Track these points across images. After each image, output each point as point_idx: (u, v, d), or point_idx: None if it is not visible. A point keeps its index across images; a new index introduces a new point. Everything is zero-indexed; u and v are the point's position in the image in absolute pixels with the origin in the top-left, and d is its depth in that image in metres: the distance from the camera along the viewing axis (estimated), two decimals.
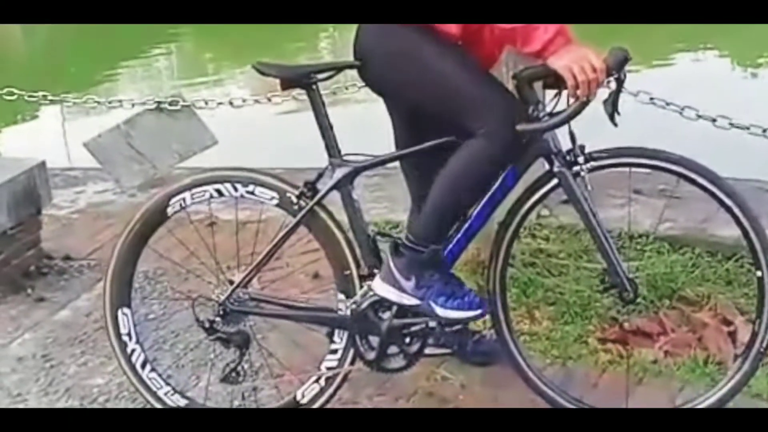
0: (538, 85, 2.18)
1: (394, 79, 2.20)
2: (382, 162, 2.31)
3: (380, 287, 2.22)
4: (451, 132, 2.17)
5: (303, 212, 2.26)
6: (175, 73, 9.63)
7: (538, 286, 3.04)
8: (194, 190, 2.28)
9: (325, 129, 2.26)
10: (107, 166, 4.29)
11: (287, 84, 2.24)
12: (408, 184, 2.51)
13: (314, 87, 2.24)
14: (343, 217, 2.30)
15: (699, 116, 3.35)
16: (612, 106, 2.10)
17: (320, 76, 2.25)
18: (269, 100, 4.13)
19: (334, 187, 2.26)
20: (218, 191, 2.28)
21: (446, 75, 2.12)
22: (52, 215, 3.94)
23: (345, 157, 2.27)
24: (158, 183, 4.26)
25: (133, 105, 4.23)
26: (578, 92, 2.01)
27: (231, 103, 4.17)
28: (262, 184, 2.27)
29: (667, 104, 3.41)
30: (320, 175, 2.28)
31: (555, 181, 2.21)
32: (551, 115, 2.14)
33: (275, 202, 2.26)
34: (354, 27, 2.26)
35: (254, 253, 2.40)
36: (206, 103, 4.21)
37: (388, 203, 3.82)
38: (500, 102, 2.11)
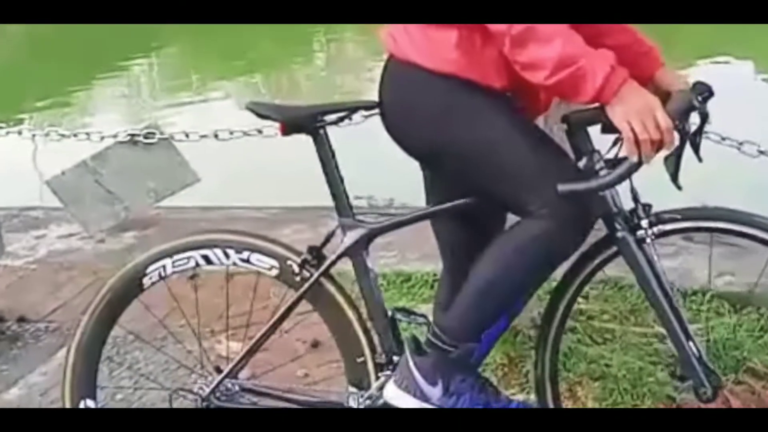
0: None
1: (425, 139, 1.93)
2: (403, 223, 2.04)
3: (396, 396, 1.93)
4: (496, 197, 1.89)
5: (306, 285, 2.01)
6: (156, 88, 9.32)
7: (581, 356, 2.78)
8: (176, 257, 2.08)
9: (334, 182, 2.01)
10: (72, 207, 4.09)
11: (289, 128, 1.99)
12: (440, 248, 2.22)
13: (322, 132, 1.98)
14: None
15: (761, 152, 3.08)
16: (675, 165, 1.82)
17: (329, 118, 1.99)
18: (260, 132, 3.88)
19: (345, 253, 2.00)
20: (206, 258, 2.07)
21: (495, 143, 1.84)
22: (6, 266, 3.74)
23: (358, 217, 2.01)
24: (131, 226, 4.14)
25: (102, 138, 4.02)
26: (635, 151, 1.74)
27: (216, 136, 3.94)
28: (260, 251, 2.04)
29: (723, 139, 3.15)
30: (328, 239, 2.02)
31: (614, 248, 1.94)
32: (608, 164, 1.87)
33: (275, 272, 2.04)
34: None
35: (247, 314, 2.18)
36: (187, 135, 3.96)
37: (398, 250, 3.52)
38: (564, 173, 1.82)
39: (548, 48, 1.72)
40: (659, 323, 2.01)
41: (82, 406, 2.13)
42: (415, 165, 2.08)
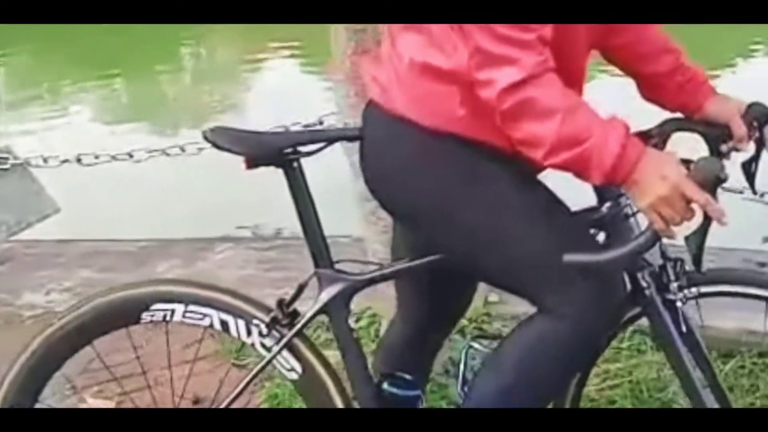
0: None
1: (413, 205, 1.69)
2: (386, 277, 1.83)
3: None
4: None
5: (278, 348, 1.71)
6: (3, 101, 8.49)
7: None
8: (192, 308, 1.77)
9: (310, 224, 1.72)
10: None
11: (257, 161, 1.69)
12: (399, 295, 1.99)
13: (295, 165, 1.71)
14: None
15: None
16: (698, 244, 1.57)
17: (305, 149, 1.71)
18: (131, 156, 3.55)
19: (322, 310, 1.73)
20: (224, 324, 1.76)
21: (502, 224, 1.62)
22: None
23: (337, 265, 1.74)
24: None
25: None
26: (667, 231, 1.52)
27: (79, 161, 3.56)
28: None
29: None
30: (299, 291, 1.74)
31: (638, 309, 1.75)
32: None
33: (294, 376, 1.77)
34: None
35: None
36: (45, 160, 3.55)
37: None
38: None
39: (546, 124, 1.48)
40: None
41: None
42: None
